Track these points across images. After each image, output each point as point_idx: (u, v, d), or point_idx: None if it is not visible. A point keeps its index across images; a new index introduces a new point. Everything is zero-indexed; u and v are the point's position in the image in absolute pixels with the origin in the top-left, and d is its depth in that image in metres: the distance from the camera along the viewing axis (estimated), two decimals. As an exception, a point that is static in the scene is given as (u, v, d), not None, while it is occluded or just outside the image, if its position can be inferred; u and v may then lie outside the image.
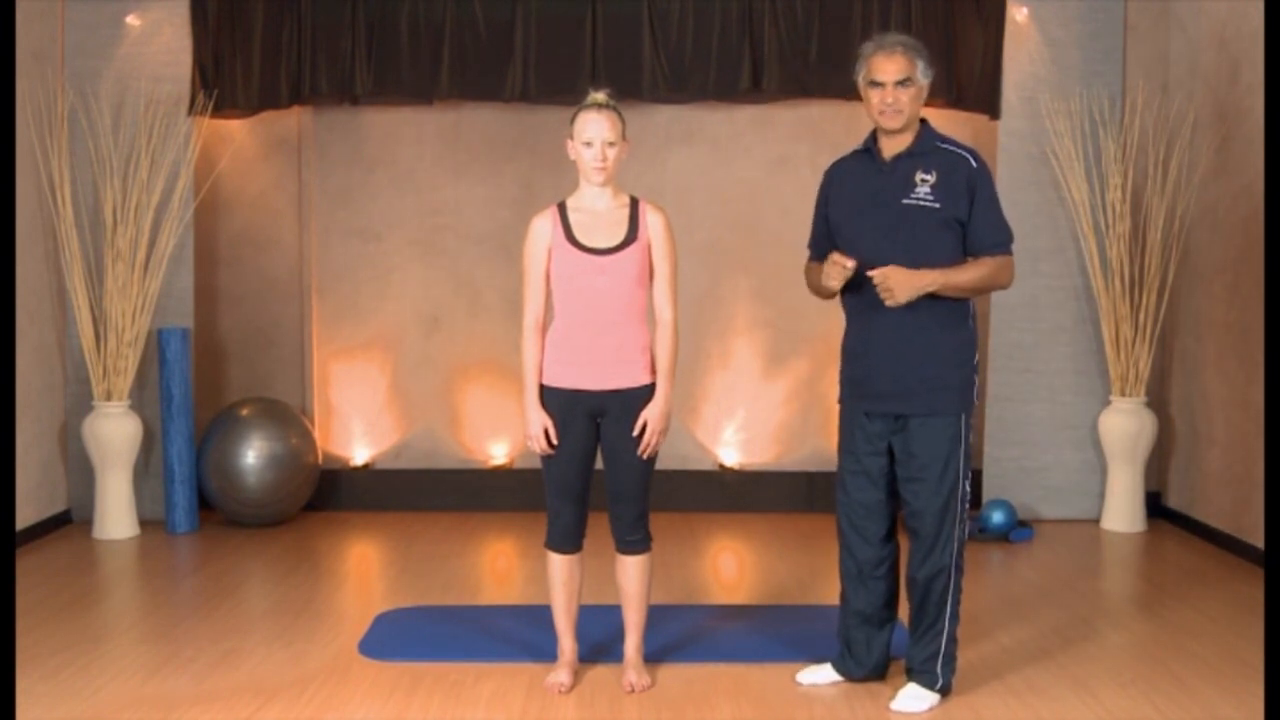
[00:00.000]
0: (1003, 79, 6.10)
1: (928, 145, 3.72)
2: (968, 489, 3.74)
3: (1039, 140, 6.13)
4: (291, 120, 6.48)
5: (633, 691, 3.84)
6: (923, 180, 3.67)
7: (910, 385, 3.67)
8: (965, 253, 3.69)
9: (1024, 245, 6.16)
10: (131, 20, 6.07)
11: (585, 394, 3.79)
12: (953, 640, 3.75)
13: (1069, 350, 6.22)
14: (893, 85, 3.65)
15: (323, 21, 6.06)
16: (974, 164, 3.68)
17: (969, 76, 6.10)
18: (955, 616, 3.75)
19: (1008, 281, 3.77)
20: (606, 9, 6.08)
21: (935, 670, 3.73)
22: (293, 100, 6.14)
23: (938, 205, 3.64)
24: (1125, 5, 6.18)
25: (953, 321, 3.69)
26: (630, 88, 5.98)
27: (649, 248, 3.80)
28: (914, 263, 3.61)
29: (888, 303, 3.61)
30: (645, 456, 3.81)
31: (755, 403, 6.54)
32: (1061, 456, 6.24)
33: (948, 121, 6.42)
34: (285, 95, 6.11)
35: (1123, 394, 6.03)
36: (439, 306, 6.56)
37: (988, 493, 6.19)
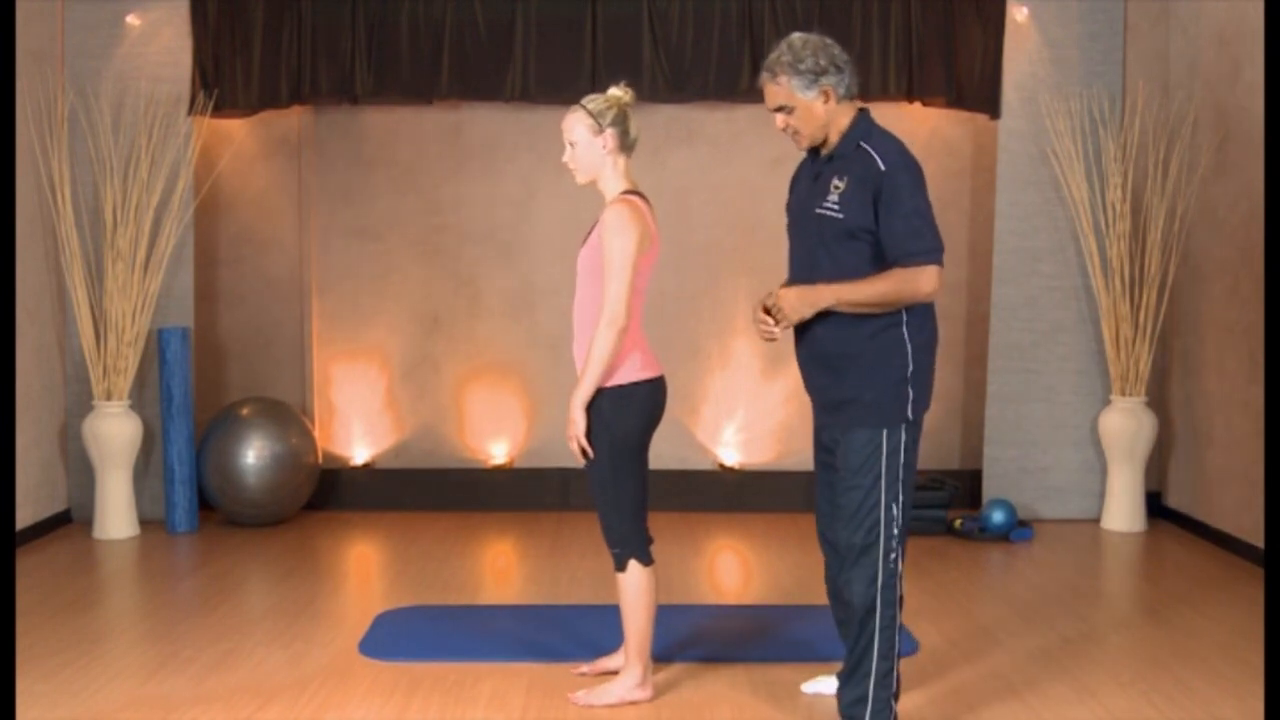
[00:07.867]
0: (1003, 79, 6.10)
1: (848, 148, 3.39)
2: (896, 513, 3.39)
3: (1039, 140, 6.13)
4: (291, 120, 6.48)
5: (575, 704, 3.75)
6: (835, 187, 3.37)
7: (829, 398, 3.49)
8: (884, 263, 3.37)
9: (1024, 245, 6.21)
10: (131, 20, 6.07)
11: None
12: (884, 685, 3.42)
13: (1069, 350, 6.22)
14: (774, 112, 3.44)
15: (323, 21, 6.06)
16: (882, 167, 3.31)
17: (969, 76, 6.10)
18: (885, 658, 3.40)
19: (926, 293, 3.32)
20: (606, 9, 6.08)
21: (863, 717, 3.42)
22: (293, 100, 6.14)
23: (841, 216, 3.33)
24: (1125, 5, 6.18)
25: (871, 333, 3.37)
26: (630, 88, 5.98)
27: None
28: (824, 277, 3.37)
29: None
30: (583, 460, 3.68)
31: (755, 403, 6.54)
32: (1061, 456, 6.24)
33: (948, 121, 6.45)
34: (285, 95, 6.12)
35: (1123, 394, 6.03)
36: (439, 306, 6.56)
37: (988, 493, 6.19)
